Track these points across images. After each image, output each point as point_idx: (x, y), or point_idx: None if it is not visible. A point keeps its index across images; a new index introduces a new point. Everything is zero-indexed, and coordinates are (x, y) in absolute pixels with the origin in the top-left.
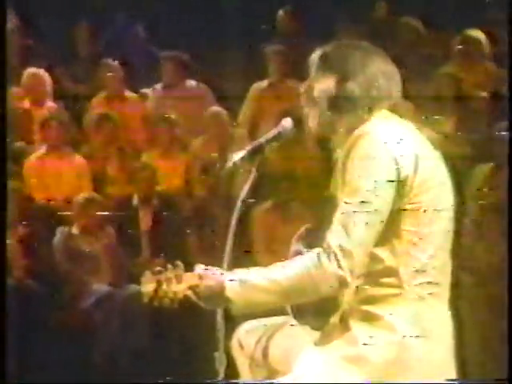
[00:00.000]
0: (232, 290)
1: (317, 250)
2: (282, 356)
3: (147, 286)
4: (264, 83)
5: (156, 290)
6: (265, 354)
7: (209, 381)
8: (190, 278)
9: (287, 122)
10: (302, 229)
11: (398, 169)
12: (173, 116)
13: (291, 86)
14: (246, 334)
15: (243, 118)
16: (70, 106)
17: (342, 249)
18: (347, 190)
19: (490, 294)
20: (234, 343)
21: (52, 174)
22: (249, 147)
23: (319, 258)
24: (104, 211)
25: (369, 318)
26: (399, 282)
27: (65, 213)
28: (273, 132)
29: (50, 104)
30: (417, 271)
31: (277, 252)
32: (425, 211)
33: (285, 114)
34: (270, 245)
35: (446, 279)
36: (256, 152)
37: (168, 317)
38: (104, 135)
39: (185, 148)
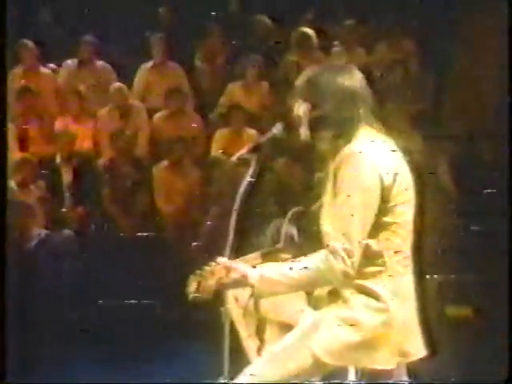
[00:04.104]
0: (254, 282)
1: (324, 251)
2: (272, 307)
3: (191, 286)
4: (149, 63)
5: (197, 288)
6: (256, 305)
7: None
8: (218, 272)
9: (279, 126)
10: (292, 211)
11: (381, 181)
12: (82, 88)
13: (171, 66)
14: (241, 289)
15: (136, 91)
16: None
17: (345, 250)
18: (341, 200)
19: None
20: (229, 297)
21: None
22: (250, 145)
23: (327, 258)
24: (35, 169)
25: (361, 289)
26: (383, 262)
27: None
28: (269, 134)
29: None
30: (395, 252)
31: (173, 201)
32: (400, 207)
33: (170, 90)
34: (167, 195)
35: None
36: (255, 149)
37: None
38: (25, 104)
39: (93, 116)
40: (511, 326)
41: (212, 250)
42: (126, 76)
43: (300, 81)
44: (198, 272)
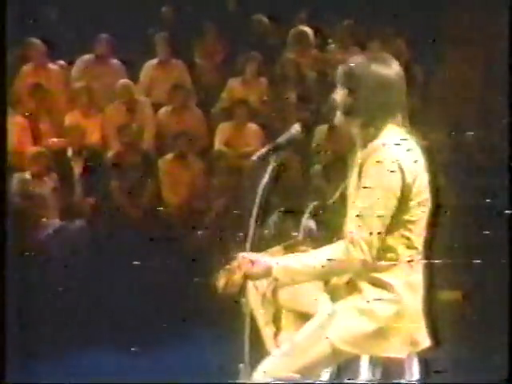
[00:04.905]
0: (277, 273)
1: (344, 241)
2: (289, 296)
3: (220, 282)
4: (154, 61)
5: (226, 283)
6: (274, 294)
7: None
8: (244, 266)
9: (297, 127)
10: (312, 205)
11: (403, 178)
12: (92, 84)
13: (174, 63)
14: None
15: (142, 87)
16: None
17: (364, 240)
18: (365, 193)
19: None
20: (249, 286)
21: None
22: (269, 145)
23: (347, 248)
24: (48, 161)
25: (376, 282)
26: (396, 256)
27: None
28: (287, 134)
29: None
30: (408, 247)
31: (178, 192)
32: (417, 206)
33: (174, 86)
34: (173, 186)
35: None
36: (275, 149)
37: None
38: (37, 100)
39: (101, 110)
40: (511, 325)
41: (216, 238)
42: (132, 73)
43: (341, 68)
44: (226, 267)
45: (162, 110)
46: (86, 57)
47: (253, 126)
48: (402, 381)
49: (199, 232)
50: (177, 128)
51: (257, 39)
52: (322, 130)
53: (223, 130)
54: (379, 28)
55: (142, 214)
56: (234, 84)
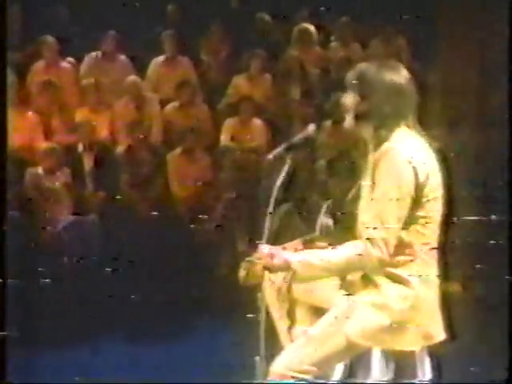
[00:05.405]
0: (296, 266)
1: (362, 240)
2: (304, 291)
3: (242, 273)
4: (161, 58)
5: (247, 274)
6: (289, 288)
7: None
8: (264, 258)
9: (312, 127)
10: (327, 203)
11: (416, 177)
12: (100, 81)
13: (181, 60)
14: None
15: (150, 84)
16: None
17: (382, 239)
18: (379, 192)
19: None
20: (265, 280)
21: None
22: (284, 145)
23: (366, 246)
24: (60, 156)
25: (392, 277)
26: (412, 252)
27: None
28: (302, 134)
29: None
30: (424, 243)
31: (185, 185)
32: (431, 203)
33: (180, 82)
34: (181, 180)
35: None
36: (289, 149)
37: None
38: (48, 96)
39: (110, 106)
40: (511, 325)
41: (223, 232)
42: (139, 69)
43: (352, 74)
44: (247, 259)
45: (169, 106)
46: (94, 54)
47: (258, 122)
48: (414, 381)
49: (207, 225)
50: (184, 124)
51: (261, 37)
52: (325, 125)
53: (229, 126)
54: (381, 26)
55: (151, 208)
56: (239, 80)
